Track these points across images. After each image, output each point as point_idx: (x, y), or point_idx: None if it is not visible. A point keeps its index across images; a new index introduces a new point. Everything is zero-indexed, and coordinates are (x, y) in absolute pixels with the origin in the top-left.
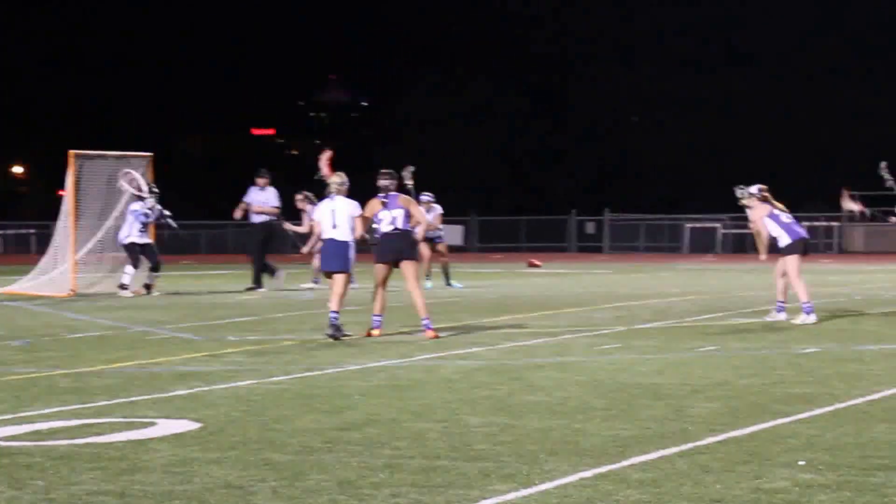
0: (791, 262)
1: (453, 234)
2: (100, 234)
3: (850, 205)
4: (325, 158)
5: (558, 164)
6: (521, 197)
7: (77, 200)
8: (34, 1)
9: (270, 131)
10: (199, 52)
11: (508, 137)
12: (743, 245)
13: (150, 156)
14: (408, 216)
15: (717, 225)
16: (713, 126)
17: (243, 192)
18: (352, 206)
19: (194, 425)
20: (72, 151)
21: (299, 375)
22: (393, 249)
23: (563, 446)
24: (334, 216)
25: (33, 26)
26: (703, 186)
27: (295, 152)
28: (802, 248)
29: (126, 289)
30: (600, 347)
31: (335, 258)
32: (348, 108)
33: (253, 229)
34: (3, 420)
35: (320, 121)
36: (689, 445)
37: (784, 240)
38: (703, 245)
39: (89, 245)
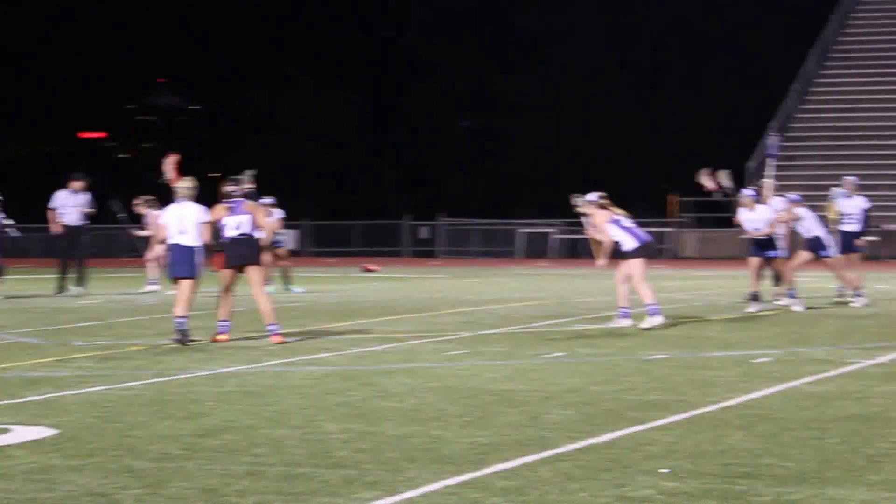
0: (636, 265)
1: (288, 239)
2: None
3: (710, 183)
4: (170, 162)
5: (391, 170)
6: (351, 201)
7: None
8: None
9: (101, 134)
10: (27, 55)
11: (339, 142)
12: (576, 250)
13: None
14: (253, 222)
15: (551, 230)
16: (544, 132)
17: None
18: (199, 212)
19: (51, 432)
20: None
21: (150, 381)
22: (239, 255)
23: (424, 453)
24: (181, 221)
25: None
26: (536, 192)
27: (126, 155)
28: (647, 252)
29: None
30: (448, 353)
31: (182, 264)
32: (178, 112)
33: (63, 232)
34: None
35: (151, 124)
36: (550, 453)
37: (629, 244)
38: (536, 250)
39: None
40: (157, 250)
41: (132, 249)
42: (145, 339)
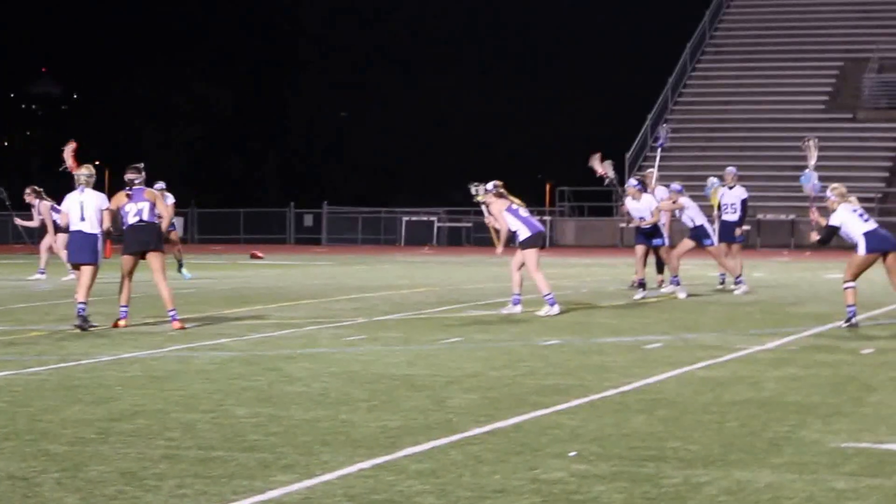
0: (530, 255)
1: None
2: None
3: (599, 167)
4: (69, 150)
5: (274, 157)
6: (233, 188)
7: None
8: None
9: None
10: None
11: (221, 130)
12: (459, 238)
13: None
14: (153, 208)
15: (434, 219)
16: (423, 124)
17: None
18: (100, 199)
19: None
20: None
21: (55, 367)
22: (139, 241)
23: (335, 437)
24: (82, 208)
25: None
26: (415, 182)
27: (6, 144)
28: (541, 241)
29: None
30: (346, 339)
31: (83, 250)
32: (60, 101)
33: None
34: None
35: (32, 113)
36: (459, 436)
37: (523, 233)
38: (418, 238)
39: None
40: (48, 239)
41: (21, 236)
42: (46, 325)
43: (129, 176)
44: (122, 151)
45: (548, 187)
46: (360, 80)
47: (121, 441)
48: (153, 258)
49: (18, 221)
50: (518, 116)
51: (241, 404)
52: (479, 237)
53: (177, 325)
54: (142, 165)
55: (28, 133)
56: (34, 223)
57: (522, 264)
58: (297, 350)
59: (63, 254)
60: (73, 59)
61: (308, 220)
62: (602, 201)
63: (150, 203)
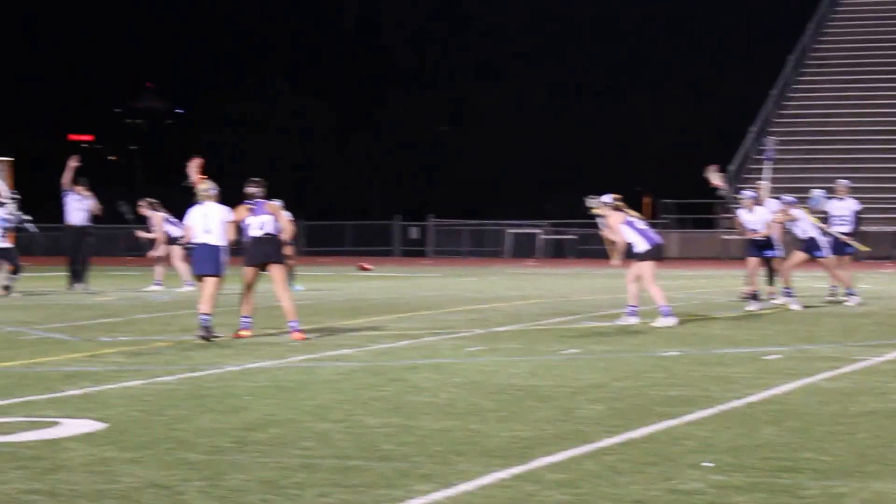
0: (647, 267)
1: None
2: None
3: (716, 180)
4: (194, 166)
5: (376, 171)
6: (337, 201)
7: None
8: None
9: (89, 137)
10: (22, 58)
11: (321, 144)
12: (562, 250)
13: (9, 161)
14: (275, 221)
15: (538, 231)
16: (519, 138)
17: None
18: (223, 211)
19: (99, 425)
20: None
21: (184, 376)
22: (262, 253)
23: (468, 447)
24: (206, 221)
25: None
26: (516, 195)
27: (113, 158)
28: (658, 253)
29: None
30: (466, 350)
31: (208, 261)
32: (164, 116)
33: (68, 230)
34: None
35: (137, 127)
36: (592, 447)
37: (641, 246)
38: (522, 250)
39: None
40: (161, 251)
41: (136, 248)
42: (169, 336)
43: (250, 189)
44: (225, 165)
45: (645, 200)
46: (459, 93)
47: (257, 450)
48: (275, 270)
49: (141, 234)
50: (617, 129)
51: (371, 414)
52: (583, 249)
53: (298, 335)
54: (262, 180)
55: (133, 147)
56: (154, 234)
57: (638, 276)
58: (419, 360)
59: (179, 266)
60: (177, 75)
61: (413, 233)
62: (704, 213)
63: (272, 216)
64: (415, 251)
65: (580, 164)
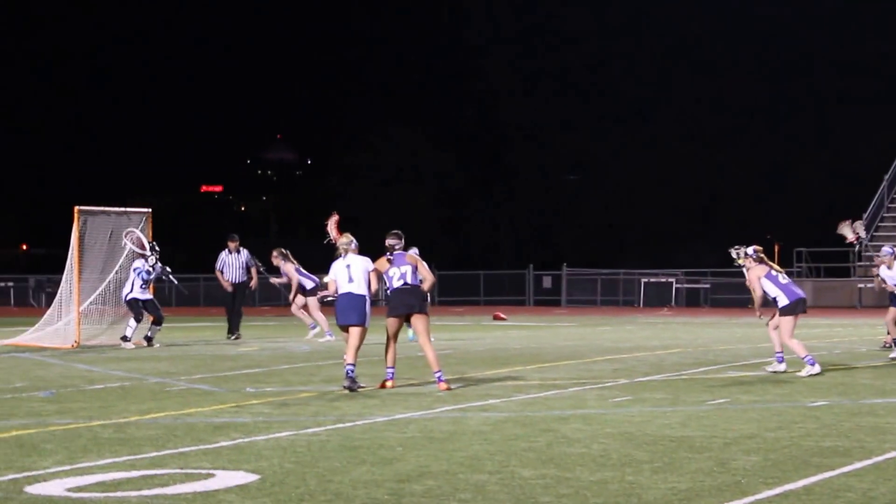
0: (786, 322)
1: None
2: (101, 287)
3: (849, 233)
4: (332, 223)
5: (504, 220)
6: (466, 252)
7: (80, 254)
8: None
9: (218, 188)
10: (153, 113)
11: (452, 195)
12: (697, 299)
13: (148, 212)
14: (415, 271)
15: (672, 280)
16: (641, 187)
17: (201, 247)
18: (365, 262)
19: (253, 476)
20: (77, 207)
21: (333, 427)
22: (405, 304)
23: (627, 499)
24: (349, 271)
25: None
26: (644, 244)
27: (243, 208)
28: (801, 307)
29: (128, 340)
30: (613, 400)
31: (352, 311)
32: (294, 167)
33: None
34: (63, 472)
35: (267, 178)
36: (751, 499)
37: (782, 300)
38: (656, 299)
39: (92, 298)
40: (299, 300)
41: (271, 298)
42: (314, 386)
43: (390, 241)
44: (352, 214)
45: (776, 248)
46: (585, 145)
47: (413, 502)
48: (418, 321)
49: (274, 280)
50: (748, 177)
51: (525, 465)
52: (717, 298)
53: (443, 385)
54: (399, 231)
55: (264, 198)
56: (285, 280)
57: (776, 326)
58: (567, 411)
59: (318, 316)
60: (307, 126)
61: (546, 282)
62: (839, 261)
63: (412, 266)
64: (547, 300)
65: (711, 212)
